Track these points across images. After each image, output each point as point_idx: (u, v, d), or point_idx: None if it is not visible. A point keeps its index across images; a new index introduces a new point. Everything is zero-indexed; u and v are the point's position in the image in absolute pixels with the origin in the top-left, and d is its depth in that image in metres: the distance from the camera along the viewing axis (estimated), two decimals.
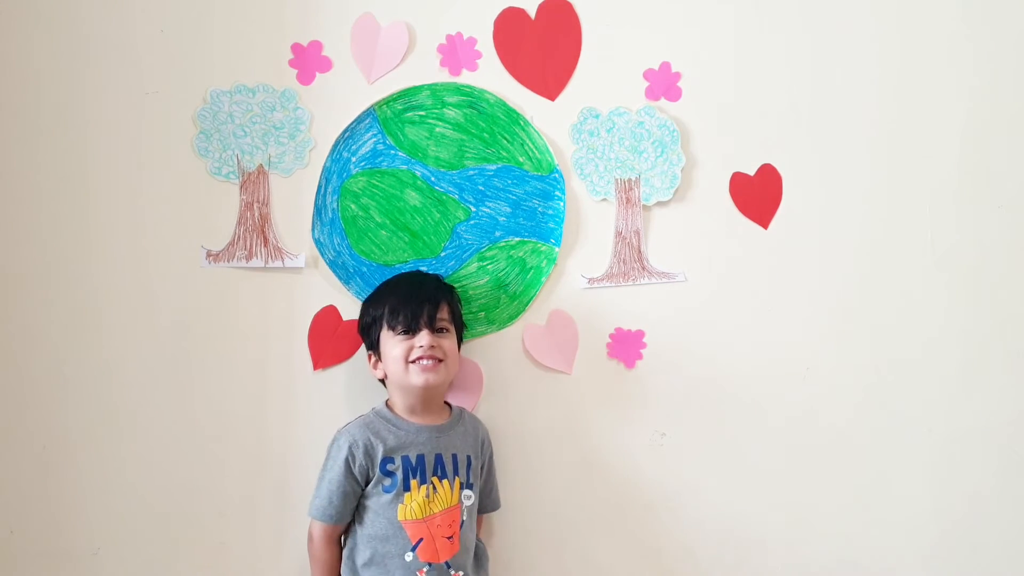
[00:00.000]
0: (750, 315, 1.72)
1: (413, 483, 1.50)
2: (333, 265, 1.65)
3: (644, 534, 1.72)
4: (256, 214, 1.63)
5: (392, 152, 1.66)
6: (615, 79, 1.68)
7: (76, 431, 1.62)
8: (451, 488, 1.52)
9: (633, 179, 1.69)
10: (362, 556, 1.49)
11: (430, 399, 1.55)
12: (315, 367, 1.65)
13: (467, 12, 1.66)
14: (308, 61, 1.64)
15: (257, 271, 1.64)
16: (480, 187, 1.68)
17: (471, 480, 1.55)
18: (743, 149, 1.71)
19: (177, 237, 1.62)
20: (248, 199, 1.63)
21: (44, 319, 1.61)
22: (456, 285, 1.66)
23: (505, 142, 1.68)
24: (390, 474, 1.50)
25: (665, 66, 1.69)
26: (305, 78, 1.64)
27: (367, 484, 1.51)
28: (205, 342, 1.63)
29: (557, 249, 1.68)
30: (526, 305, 1.69)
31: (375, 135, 1.66)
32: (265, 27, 1.63)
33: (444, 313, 1.54)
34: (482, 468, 1.60)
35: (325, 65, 1.64)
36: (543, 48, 1.67)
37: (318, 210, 1.65)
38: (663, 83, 1.69)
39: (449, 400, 1.65)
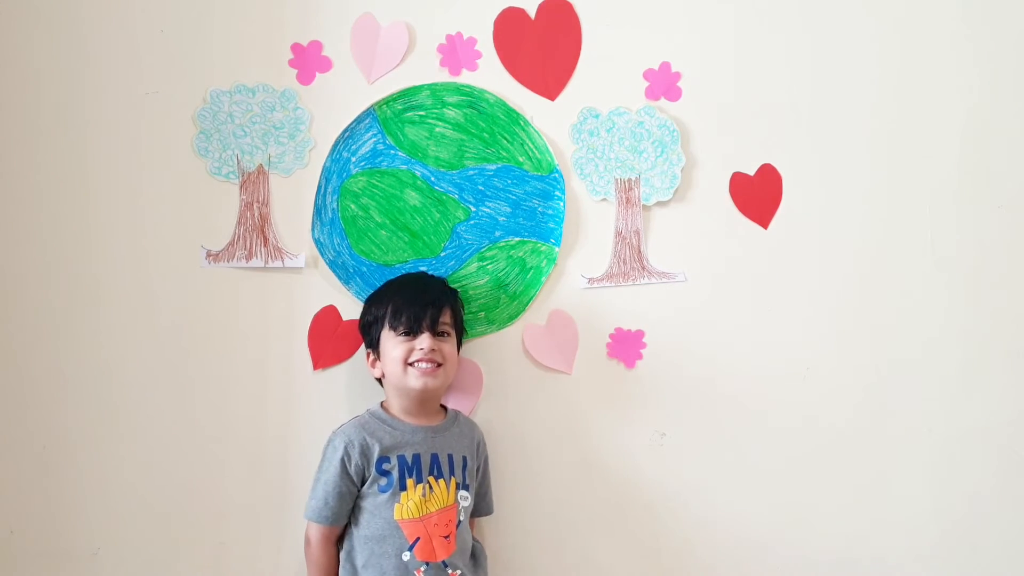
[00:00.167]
0: (750, 315, 1.72)
1: (409, 482, 1.50)
2: (333, 265, 1.65)
3: (644, 534, 1.72)
4: (256, 214, 1.63)
5: (392, 152, 1.66)
6: (615, 79, 1.68)
7: (76, 431, 1.62)
8: (447, 488, 1.52)
9: (633, 179, 1.69)
10: (360, 557, 1.49)
11: (426, 401, 1.55)
12: (315, 367, 1.65)
13: (467, 12, 1.66)
14: (308, 61, 1.64)
15: (257, 271, 1.64)
16: (480, 187, 1.68)
17: (467, 481, 1.55)
18: (743, 149, 1.71)
19: (177, 237, 1.62)
20: (248, 199, 1.63)
21: (44, 319, 1.61)
22: (456, 285, 1.66)
23: (505, 142, 1.68)
24: (386, 473, 1.50)
25: (665, 66, 1.69)
26: (305, 78, 1.64)
27: (363, 484, 1.51)
28: (205, 342, 1.63)
29: (557, 249, 1.68)
30: (526, 305, 1.69)
31: (375, 135, 1.66)
32: (265, 27, 1.63)
33: (447, 317, 1.54)
34: (478, 471, 1.60)
35: (325, 65, 1.64)
36: (543, 48, 1.67)
37: (318, 210, 1.65)
38: (663, 83, 1.69)
39: (449, 400, 1.66)
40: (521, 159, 1.68)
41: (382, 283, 1.62)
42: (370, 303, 1.59)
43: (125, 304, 1.62)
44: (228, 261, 1.63)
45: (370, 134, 1.66)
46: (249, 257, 1.63)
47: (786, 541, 1.74)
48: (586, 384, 1.70)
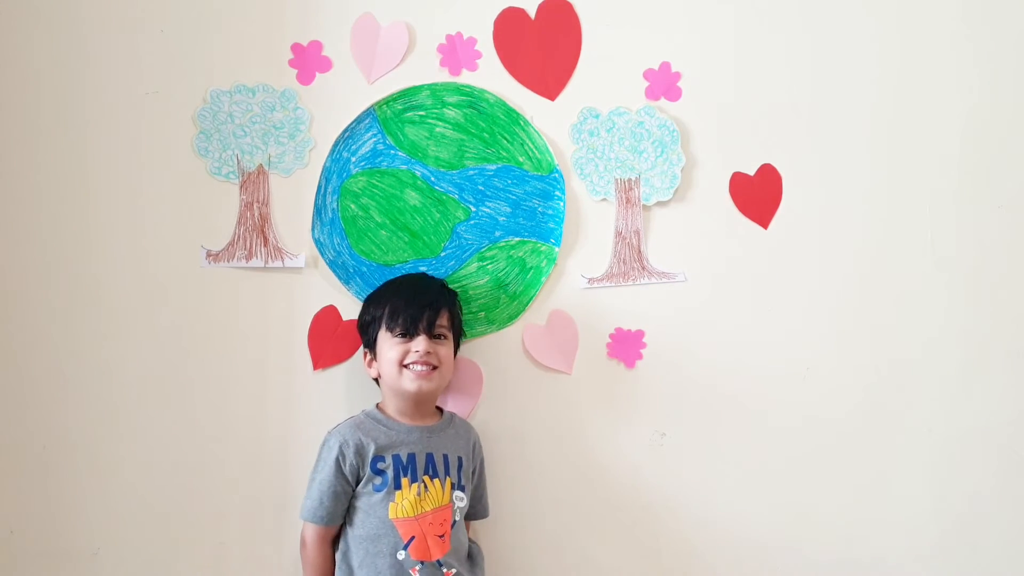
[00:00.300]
0: (750, 315, 1.72)
1: (404, 481, 1.50)
2: (333, 265, 1.65)
3: (644, 534, 1.72)
4: (256, 214, 1.63)
5: (392, 152, 1.66)
6: (615, 79, 1.68)
7: (76, 431, 1.62)
8: (442, 488, 1.52)
9: (633, 179, 1.69)
10: (356, 557, 1.49)
11: (421, 403, 1.55)
12: (315, 367, 1.65)
13: (467, 12, 1.66)
14: (308, 61, 1.64)
15: (257, 271, 1.64)
16: (480, 187, 1.68)
17: (462, 482, 1.55)
18: (743, 149, 1.71)
19: (177, 237, 1.62)
20: (248, 199, 1.63)
21: (44, 319, 1.61)
22: (456, 285, 1.66)
23: (505, 142, 1.68)
24: (381, 472, 1.50)
25: (665, 66, 1.69)
26: (305, 78, 1.64)
27: (357, 483, 1.50)
28: (205, 342, 1.63)
29: (557, 249, 1.68)
30: (526, 305, 1.69)
31: (375, 135, 1.66)
32: (265, 27, 1.63)
33: (444, 320, 1.54)
34: (473, 472, 1.60)
35: (325, 65, 1.64)
36: (543, 48, 1.67)
37: (318, 210, 1.65)
38: (663, 83, 1.69)
39: (449, 400, 1.66)
40: (521, 159, 1.68)
41: (382, 283, 1.62)
42: (368, 303, 1.59)
43: (125, 304, 1.62)
44: (228, 261, 1.63)
45: (370, 134, 1.66)
46: (249, 257, 1.63)
47: (786, 541, 1.74)
48: (586, 384, 1.70)
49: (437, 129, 1.67)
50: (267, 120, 1.63)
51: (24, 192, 1.60)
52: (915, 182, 1.74)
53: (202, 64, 1.62)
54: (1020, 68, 1.75)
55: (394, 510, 1.49)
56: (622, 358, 1.70)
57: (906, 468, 1.75)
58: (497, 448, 1.67)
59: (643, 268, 1.70)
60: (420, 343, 1.50)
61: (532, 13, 1.67)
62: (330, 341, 1.64)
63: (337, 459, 1.49)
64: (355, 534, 1.50)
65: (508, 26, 1.67)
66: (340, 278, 1.65)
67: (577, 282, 1.69)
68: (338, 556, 1.51)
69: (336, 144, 1.65)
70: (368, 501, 1.50)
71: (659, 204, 1.70)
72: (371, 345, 1.56)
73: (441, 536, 1.49)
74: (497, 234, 1.69)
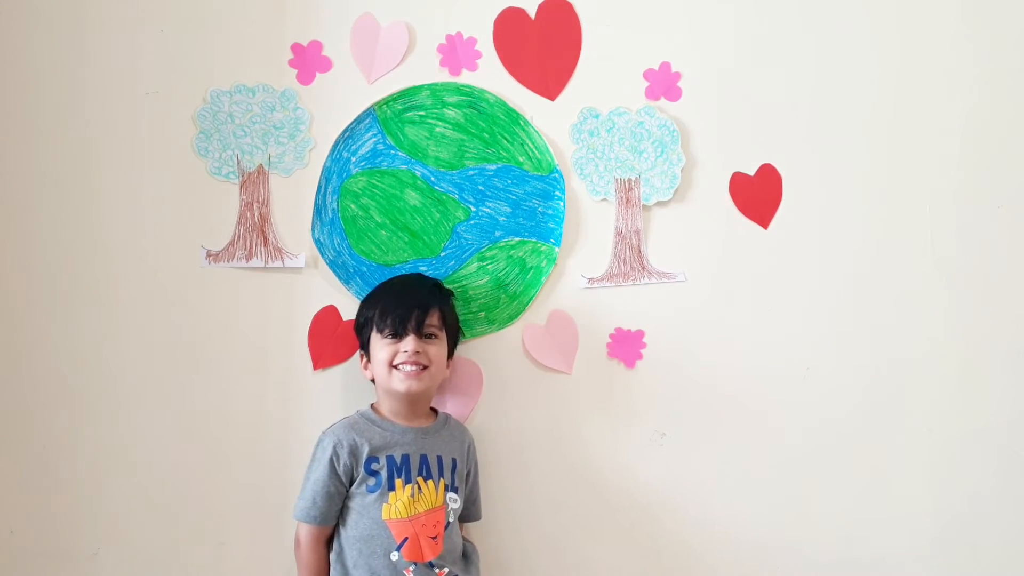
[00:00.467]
0: (750, 315, 1.72)
1: (398, 482, 1.50)
2: (333, 265, 1.65)
3: (644, 534, 1.72)
4: (256, 214, 1.63)
5: (392, 152, 1.66)
6: (615, 79, 1.68)
7: (76, 431, 1.62)
8: (436, 489, 1.52)
9: (633, 179, 1.69)
10: (350, 558, 1.49)
11: (415, 404, 1.55)
12: (315, 367, 1.65)
13: (467, 12, 1.66)
14: (308, 61, 1.64)
15: (257, 271, 1.64)
16: (480, 187, 1.68)
17: (456, 483, 1.55)
18: (743, 149, 1.71)
19: (177, 237, 1.62)
20: (248, 199, 1.63)
21: (44, 319, 1.61)
22: (456, 285, 1.66)
23: (505, 142, 1.68)
24: (374, 473, 1.50)
25: (665, 66, 1.69)
26: (305, 78, 1.64)
27: (351, 484, 1.50)
28: (205, 342, 1.63)
29: (557, 249, 1.68)
30: (526, 305, 1.69)
31: (375, 135, 1.66)
32: (265, 27, 1.63)
33: (434, 319, 1.54)
34: (468, 475, 1.60)
35: (325, 65, 1.64)
36: (543, 48, 1.67)
37: (318, 210, 1.65)
38: (663, 83, 1.69)
39: (449, 400, 1.66)
40: (521, 159, 1.68)
41: (377, 284, 1.62)
42: (362, 305, 1.59)
43: (125, 304, 1.62)
44: (228, 261, 1.63)
45: (370, 134, 1.66)
46: (249, 257, 1.63)
47: (786, 541, 1.74)
48: (586, 384, 1.70)
49: (437, 129, 1.67)
50: (267, 120, 1.63)
51: (24, 192, 1.60)
52: (915, 182, 1.74)
53: (202, 64, 1.62)
54: (1020, 68, 1.75)
55: (387, 511, 1.48)
56: (622, 358, 1.70)
57: (906, 468, 1.75)
58: (497, 448, 1.68)
59: (643, 268, 1.70)
60: (409, 343, 1.50)
61: (532, 13, 1.67)
62: (330, 341, 1.64)
63: (331, 459, 1.49)
64: (348, 534, 1.50)
65: (508, 26, 1.67)
66: (340, 278, 1.65)
67: (577, 282, 1.69)
68: (332, 556, 1.51)
69: (336, 144, 1.65)
70: (362, 502, 1.50)
71: (659, 204, 1.70)
72: (365, 346, 1.56)
73: (434, 537, 1.49)
74: (497, 234, 1.69)
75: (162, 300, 1.62)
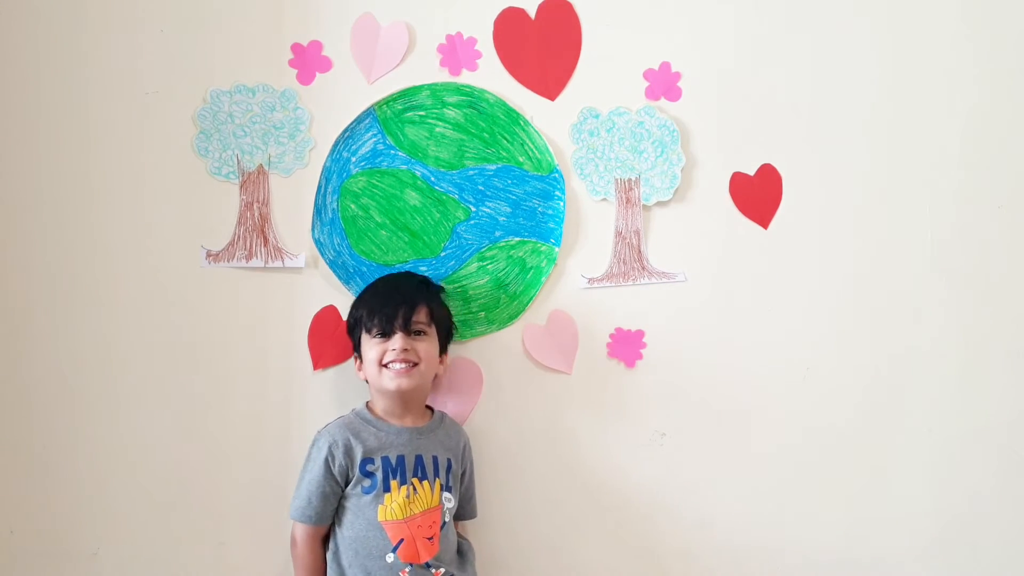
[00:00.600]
0: (750, 315, 1.72)
1: (393, 484, 1.49)
2: (333, 265, 1.65)
3: (644, 534, 1.72)
4: (256, 214, 1.63)
5: (392, 152, 1.66)
6: (615, 79, 1.68)
7: (76, 431, 1.62)
8: (431, 489, 1.52)
9: (633, 179, 1.69)
10: (345, 558, 1.49)
11: (408, 402, 1.54)
12: (315, 367, 1.65)
13: (467, 12, 1.66)
14: (308, 61, 1.64)
15: (257, 271, 1.64)
16: (480, 187, 1.68)
17: (451, 483, 1.55)
18: (743, 149, 1.71)
19: (177, 237, 1.62)
20: (248, 199, 1.63)
21: (44, 319, 1.61)
22: (456, 285, 1.66)
23: (505, 142, 1.68)
24: (370, 475, 1.50)
25: (665, 66, 1.69)
26: (305, 78, 1.64)
27: (347, 484, 1.50)
28: (205, 342, 1.63)
29: (557, 249, 1.68)
30: (526, 305, 1.69)
31: (375, 135, 1.66)
32: (265, 27, 1.63)
33: (422, 316, 1.53)
34: (463, 474, 1.60)
35: (325, 65, 1.64)
36: (543, 48, 1.67)
37: (318, 210, 1.65)
38: (663, 83, 1.69)
39: (449, 400, 1.66)
40: (521, 159, 1.68)
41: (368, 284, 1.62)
42: (352, 306, 1.59)
43: (125, 304, 1.62)
44: (228, 261, 1.63)
45: (370, 134, 1.66)
46: (249, 257, 1.63)
47: (786, 541, 1.74)
48: (586, 384, 1.70)
49: (437, 129, 1.67)
50: (267, 120, 1.63)
51: (24, 192, 1.60)
52: (915, 182, 1.74)
53: (202, 64, 1.62)
54: (1020, 68, 1.75)
55: (383, 512, 1.49)
56: (622, 358, 1.70)
57: (906, 468, 1.75)
58: (497, 448, 1.68)
59: (643, 268, 1.70)
60: (397, 341, 1.49)
61: (532, 13, 1.67)
62: (330, 341, 1.64)
63: (326, 459, 1.49)
64: (344, 534, 1.50)
65: (508, 26, 1.67)
66: (340, 278, 1.65)
67: (577, 282, 1.69)
68: (328, 556, 1.52)
69: (336, 144, 1.65)
70: (357, 503, 1.50)
71: (659, 204, 1.70)
72: (358, 347, 1.56)
73: (430, 538, 1.49)
74: (497, 234, 1.69)
75: (162, 300, 1.62)
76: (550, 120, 1.68)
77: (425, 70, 1.66)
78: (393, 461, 1.51)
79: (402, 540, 1.48)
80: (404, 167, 1.67)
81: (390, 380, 1.50)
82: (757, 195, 1.71)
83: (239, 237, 1.63)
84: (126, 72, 1.61)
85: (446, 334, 1.59)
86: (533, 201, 1.69)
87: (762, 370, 1.73)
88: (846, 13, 1.72)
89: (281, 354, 1.65)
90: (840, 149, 1.73)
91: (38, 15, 1.59)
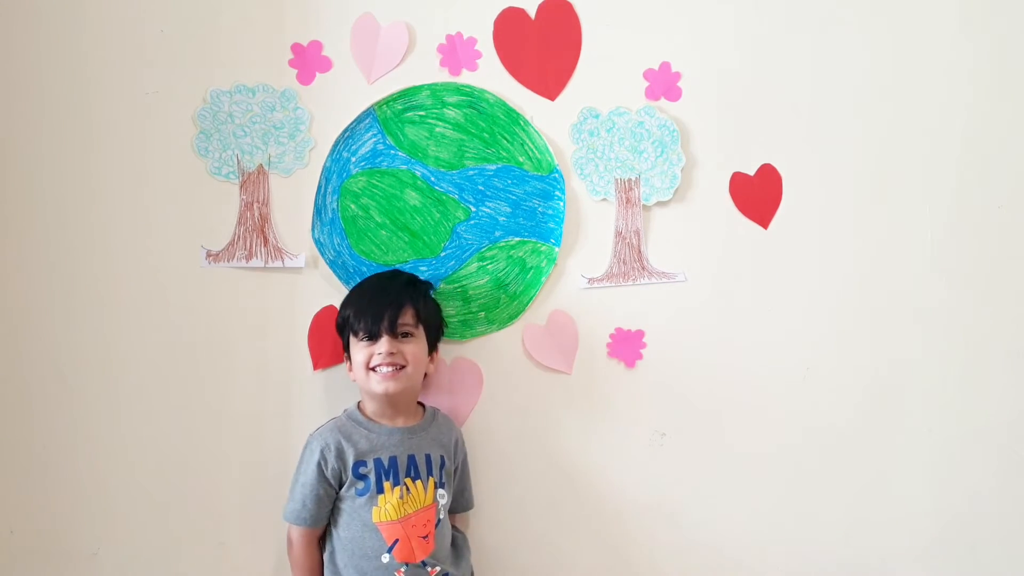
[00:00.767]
0: (750, 315, 1.72)
1: (386, 485, 1.50)
2: (333, 265, 1.65)
3: (643, 534, 1.72)
4: (256, 214, 1.63)
5: (392, 152, 1.66)
6: (615, 79, 1.68)
7: (76, 431, 1.62)
8: (424, 488, 1.52)
9: (633, 179, 1.69)
10: (341, 559, 1.50)
11: (398, 403, 1.54)
12: (315, 367, 1.65)
13: (467, 12, 1.66)
14: (308, 61, 1.64)
15: (257, 271, 1.64)
16: (480, 187, 1.68)
17: (444, 480, 1.55)
18: (743, 149, 1.71)
19: (177, 237, 1.62)
20: (248, 199, 1.63)
21: (44, 319, 1.61)
22: (456, 285, 1.66)
23: (505, 142, 1.68)
24: (363, 477, 1.50)
25: (665, 66, 1.69)
26: (305, 78, 1.64)
27: (340, 487, 1.51)
28: (205, 342, 1.63)
29: (557, 249, 1.68)
30: (526, 305, 1.69)
31: (375, 135, 1.66)
32: (265, 27, 1.63)
33: (408, 317, 1.52)
34: (456, 470, 1.60)
35: (325, 65, 1.64)
36: (543, 48, 1.67)
37: (318, 210, 1.65)
38: (663, 83, 1.69)
39: (449, 400, 1.66)
40: (521, 159, 1.68)
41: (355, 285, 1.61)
42: (341, 308, 1.58)
43: (125, 304, 1.62)
44: (228, 261, 1.63)
45: (370, 134, 1.66)
46: (249, 257, 1.63)
47: (786, 541, 1.74)
48: (586, 384, 1.70)
49: (437, 129, 1.67)
50: (267, 120, 1.63)
51: (24, 192, 1.60)
52: (915, 182, 1.74)
53: (202, 64, 1.62)
54: (1019, 68, 1.75)
55: (377, 514, 1.49)
56: (622, 358, 1.70)
57: (906, 468, 1.75)
58: (496, 448, 1.68)
59: (643, 268, 1.70)
60: (383, 344, 1.49)
61: (532, 13, 1.67)
62: (330, 341, 1.64)
63: (319, 463, 1.50)
64: (340, 535, 1.51)
65: (508, 26, 1.67)
66: (340, 278, 1.65)
67: (577, 282, 1.69)
68: (325, 557, 1.52)
69: (336, 144, 1.65)
70: (351, 505, 1.50)
71: (659, 204, 1.70)
72: (348, 349, 1.56)
73: (425, 537, 1.50)
74: (497, 234, 1.69)
75: (162, 300, 1.62)
76: (550, 120, 1.68)
77: (425, 70, 1.66)
78: (385, 463, 1.51)
79: (397, 540, 1.48)
80: (404, 167, 1.67)
81: (377, 384, 1.49)
82: (757, 195, 1.71)
83: (239, 237, 1.63)
84: (126, 72, 1.61)
85: (435, 332, 1.59)
86: (533, 201, 1.69)
87: (762, 370, 1.73)
88: (846, 13, 1.72)
89: (281, 354, 1.65)
90: (840, 149, 1.73)
91: (39, 15, 1.59)
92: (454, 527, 1.60)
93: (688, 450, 1.72)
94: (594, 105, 1.68)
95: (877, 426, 1.75)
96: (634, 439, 1.71)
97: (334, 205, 1.66)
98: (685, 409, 1.72)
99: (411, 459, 1.52)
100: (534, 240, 1.69)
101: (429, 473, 1.52)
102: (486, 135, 1.67)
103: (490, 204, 1.68)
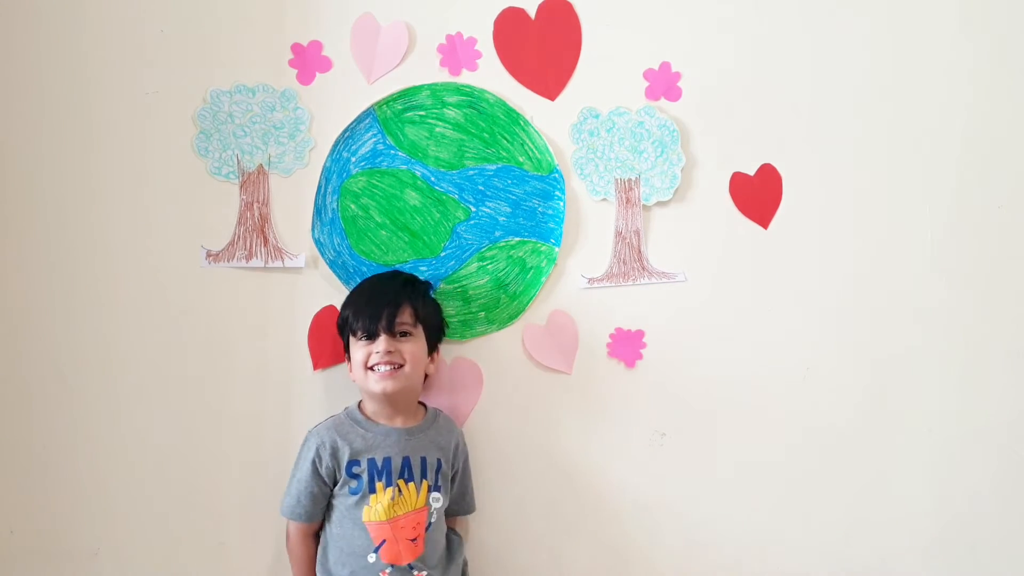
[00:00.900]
0: (750, 315, 1.72)
1: (379, 485, 1.50)
2: (333, 265, 1.65)
3: (643, 534, 1.72)
4: (256, 214, 1.63)
5: (392, 152, 1.66)
6: (615, 79, 1.68)
7: (76, 431, 1.62)
8: (418, 491, 1.51)
9: (633, 179, 1.69)
10: (332, 555, 1.51)
11: (397, 403, 1.54)
12: (315, 367, 1.65)
13: (467, 12, 1.66)
14: (308, 61, 1.64)
15: (257, 271, 1.64)
16: (480, 187, 1.68)
17: (440, 483, 1.54)
18: (743, 149, 1.71)
19: (177, 237, 1.62)
20: (248, 199, 1.63)
21: (44, 319, 1.61)
22: (456, 285, 1.66)
23: (505, 142, 1.68)
24: (356, 476, 1.50)
25: (665, 66, 1.69)
26: (305, 78, 1.64)
27: (335, 485, 1.51)
28: (205, 342, 1.63)
29: (557, 249, 1.68)
30: (526, 305, 1.69)
31: (375, 135, 1.66)
32: (265, 27, 1.63)
33: (406, 316, 1.52)
34: (456, 475, 1.60)
35: (325, 65, 1.64)
36: (543, 48, 1.67)
37: (318, 210, 1.65)
38: (663, 83, 1.69)
39: (449, 400, 1.65)
40: (521, 159, 1.68)
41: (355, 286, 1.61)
42: (342, 307, 1.58)
43: (125, 304, 1.62)
44: (228, 261, 1.63)
45: (370, 134, 1.66)
46: (249, 257, 1.63)
47: (786, 541, 1.74)
48: (586, 384, 1.70)
49: (437, 129, 1.67)
50: (267, 120, 1.63)
51: (25, 192, 1.60)
52: (914, 182, 1.74)
53: (202, 64, 1.62)
54: (1019, 68, 1.75)
55: (368, 513, 1.49)
56: (622, 358, 1.70)
57: (906, 468, 1.75)
58: (496, 448, 1.68)
59: (643, 268, 1.70)
60: (381, 343, 1.49)
61: (532, 13, 1.67)
62: (330, 341, 1.64)
63: (314, 460, 1.50)
64: (332, 532, 1.52)
65: (508, 26, 1.67)
66: (340, 278, 1.65)
67: (577, 282, 1.69)
68: (319, 551, 1.54)
69: (336, 144, 1.65)
70: (344, 502, 1.51)
71: (659, 204, 1.70)
72: (348, 349, 1.56)
73: (413, 540, 1.50)
74: (497, 234, 1.69)
75: (162, 300, 1.62)
76: (550, 120, 1.68)
77: (425, 70, 1.66)
78: (379, 463, 1.51)
79: (384, 541, 1.48)
80: (404, 167, 1.67)
81: (375, 383, 1.49)
82: (757, 195, 1.71)
83: (239, 237, 1.63)
84: (126, 72, 1.61)
85: (435, 332, 1.59)
86: (533, 201, 1.69)
87: (762, 370, 1.73)
88: (846, 13, 1.72)
89: (281, 354, 1.65)
90: (840, 149, 1.72)
91: (39, 15, 1.59)
92: (450, 528, 1.60)
93: (688, 450, 1.72)
94: (594, 105, 1.68)
95: (877, 426, 1.75)
96: (634, 439, 1.71)
97: (334, 205, 1.66)
98: (685, 409, 1.72)
99: (406, 461, 1.52)
100: (534, 240, 1.69)
101: (424, 476, 1.52)
102: (486, 135, 1.67)
103: (490, 204, 1.68)
